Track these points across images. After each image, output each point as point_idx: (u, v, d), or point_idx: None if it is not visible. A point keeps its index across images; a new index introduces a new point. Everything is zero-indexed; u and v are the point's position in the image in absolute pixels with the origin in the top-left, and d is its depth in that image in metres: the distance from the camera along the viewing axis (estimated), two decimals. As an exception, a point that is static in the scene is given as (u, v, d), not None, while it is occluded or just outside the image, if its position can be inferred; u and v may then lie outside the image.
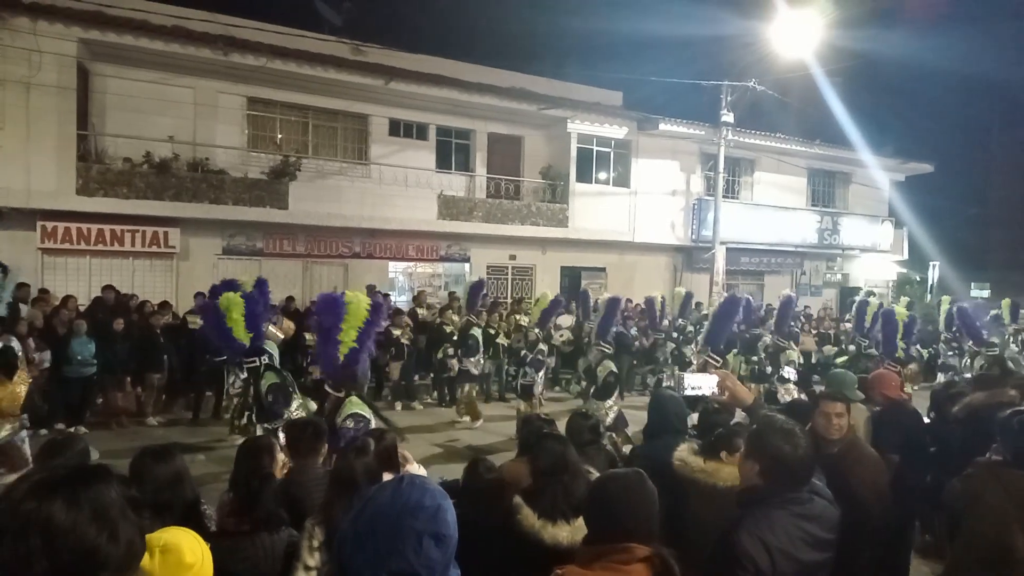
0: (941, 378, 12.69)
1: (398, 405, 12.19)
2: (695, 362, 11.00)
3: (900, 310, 9.80)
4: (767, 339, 11.92)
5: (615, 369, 8.93)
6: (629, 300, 17.50)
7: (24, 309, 10.64)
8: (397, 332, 12.27)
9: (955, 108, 33.33)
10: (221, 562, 2.21)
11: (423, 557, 1.70)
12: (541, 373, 10.92)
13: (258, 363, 6.68)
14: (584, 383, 10.30)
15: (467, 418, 11.31)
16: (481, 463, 3.72)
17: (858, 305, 12.21)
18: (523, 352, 11.14)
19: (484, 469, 3.65)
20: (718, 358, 8.62)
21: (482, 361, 12.06)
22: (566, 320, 14.57)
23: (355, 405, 5.23)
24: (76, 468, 1.50)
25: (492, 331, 12.96)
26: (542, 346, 11.13)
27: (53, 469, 1.48)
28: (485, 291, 13.14)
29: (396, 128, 17.09)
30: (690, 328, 13.21)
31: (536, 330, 11.55)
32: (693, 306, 14.65)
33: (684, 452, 3.55)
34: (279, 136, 16.06)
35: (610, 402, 8.59)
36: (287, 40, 14.55)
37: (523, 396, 10.79)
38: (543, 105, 17.60)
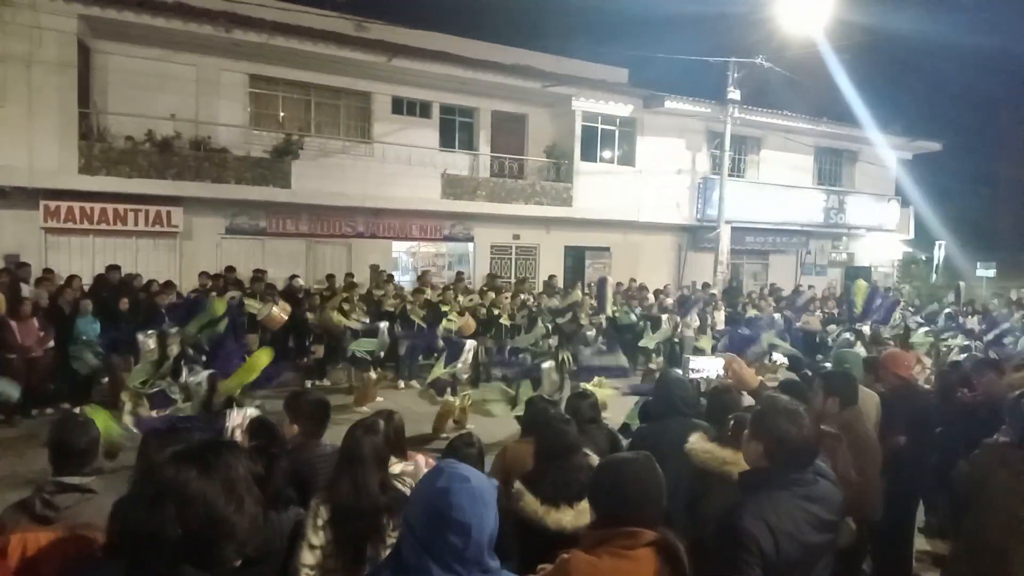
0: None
1: (400, 383, 12.20)
2: None
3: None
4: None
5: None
6: (633, 280, 17.50)
7: (27, 289, 10.65)
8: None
9: (965, 85, 32.94)
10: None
11: (446, 544, 1.69)
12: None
13: None
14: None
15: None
16: (461, 438, 3.69)
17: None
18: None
19: (462, 443, 3.62)
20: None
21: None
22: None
23: None
24: (211, 442, 1.57)
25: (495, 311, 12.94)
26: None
27: (190, 441, 1.56)
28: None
29: (399, 106, 16.97)
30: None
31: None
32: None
33: (703, 442, 3.37)
34: (281, 114, 15.96)
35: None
36: (290, 16, 14.43)
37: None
38: (548, 82, 17.44)
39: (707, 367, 4.23)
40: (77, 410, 9.47)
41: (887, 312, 11.48)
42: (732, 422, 3.45)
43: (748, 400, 3.55)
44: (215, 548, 1.44)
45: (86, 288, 11.25)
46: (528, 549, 3.07)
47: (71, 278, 11.13)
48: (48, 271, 11.65)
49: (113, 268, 12.04)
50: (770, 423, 2.57)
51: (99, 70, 13.67)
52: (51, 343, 9.65)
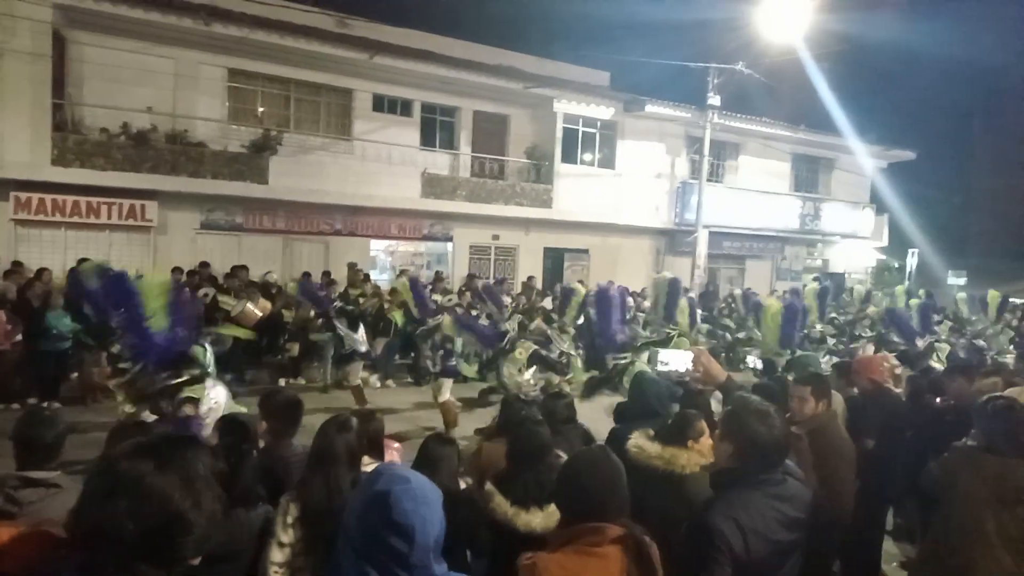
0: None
1: (376, 382, 12.11)
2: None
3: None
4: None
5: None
6: (611, 282, 17.54)
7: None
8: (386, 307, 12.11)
9: (938, 95, 33.47)
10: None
11: (389, 550, 1.63)
12: None
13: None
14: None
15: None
16: (437, 437, 3.68)
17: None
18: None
19: (438, 442, 3.60)
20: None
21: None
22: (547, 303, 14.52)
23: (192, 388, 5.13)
24: (169, 436, 1.53)
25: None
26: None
27: (149, 436, 1.52)
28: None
29: (380, 104, 16.87)
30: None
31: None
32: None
33: (638, 438, 3.41)
34: (260, 109, 15.80)
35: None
36: (270, 11, 14.28)
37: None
38: (529, 84, 17.45)
39: (675, 360, 4.23)
40: (44, 404, 9.31)
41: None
42: (672, 420, 3.49)
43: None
44: (171, 545, 1.40)
45: (57, 282, 11.04)
46: (499, 550, 3.07)
47: (41, 271, 10.93)
48: (17, 263, 11.43)
49: (85, 262, 11.81)
50: (741, 423, 2.59)
51: (74, 61, 13.43)
52: (19, 337, 9.46)
